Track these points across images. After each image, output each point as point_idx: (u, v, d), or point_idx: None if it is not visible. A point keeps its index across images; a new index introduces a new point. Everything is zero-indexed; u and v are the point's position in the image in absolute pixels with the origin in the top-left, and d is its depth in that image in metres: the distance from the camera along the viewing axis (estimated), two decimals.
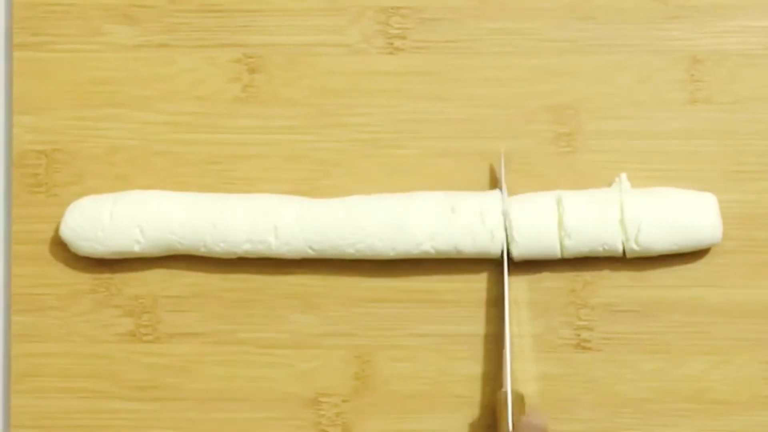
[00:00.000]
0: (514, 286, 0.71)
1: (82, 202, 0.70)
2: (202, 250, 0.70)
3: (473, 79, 0.71)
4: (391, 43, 0.72)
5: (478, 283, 0.71)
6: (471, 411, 0.70)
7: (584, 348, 0.70)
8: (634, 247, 0.68)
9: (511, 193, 0.70)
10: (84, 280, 0.72)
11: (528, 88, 0.71)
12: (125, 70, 0.72)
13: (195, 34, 0.72)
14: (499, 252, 0.69)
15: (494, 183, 0.71)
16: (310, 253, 0.69)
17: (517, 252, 0.68)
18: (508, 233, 0.68)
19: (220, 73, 0.72)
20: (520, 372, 0.70)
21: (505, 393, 0.66)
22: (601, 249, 0.68)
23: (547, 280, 0.70)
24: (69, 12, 0.72)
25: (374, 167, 0.71)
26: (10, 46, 0.73)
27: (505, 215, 0.68)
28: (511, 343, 0.70)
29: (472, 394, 0.70)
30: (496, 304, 0.71)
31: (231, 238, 0.69)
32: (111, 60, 0.72)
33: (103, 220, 0.69)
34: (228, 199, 0.70)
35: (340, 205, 0.69)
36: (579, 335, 0.70)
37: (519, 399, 0.68)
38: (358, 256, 0.69)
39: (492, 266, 0.71)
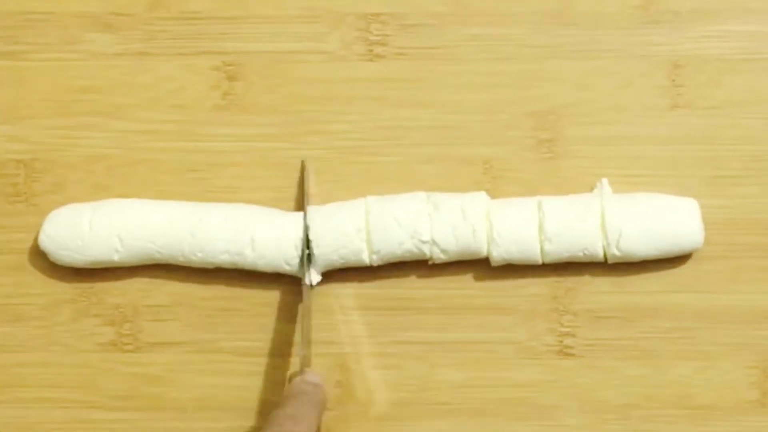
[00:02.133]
0: (496, 293, 0.70)
1: (61, 212, 0.70)
2: (180, 260, 0.69)
3: (454, 85, 0.71)
4: (372, 50, 0.72)
5: (461, 290, 0.71)
6: (455, 419, 0.70)
7: (567, 354, 0.70)
8: (616, 253, 0.68)
9: (492, 199, 0.70)
10: (64, 289, 0.71)
11: (509, 94, 0.71)
12: (104, 78, 0.72)
13: (174, 42, 0.72)
14: (484, 252, 0.69)
15: (476, 188, 0.70)
16: (286, 268, 0.69)
17: (498, 255, 0.68)
18: (489, 235, 0.68)
19: (199, 80, 0.72)
20: (504, 379, 0.70)
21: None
22: (582, 254, 0.68)
23: (529, 286, 0.70)
24: (47, 20, 0.72)
25: (355, 174, 0.71)
26: None
27: (306, 231, 0.68)
28: (494, 351, 0.70)
29: (456, 401, 0.70)
30: (479, 310, 0.70)
31: (208, 249, 0.69)
32: (90, 68, 0.72)
33: (82, 229, 0.69)
34: (207, 208, 0.70)
35: (317, 213, 0.69)
36: (562, 342, 0.70)
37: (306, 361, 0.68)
38: (342, 263, 0.69)
39: (476, 273, 0.71)
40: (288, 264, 0.69)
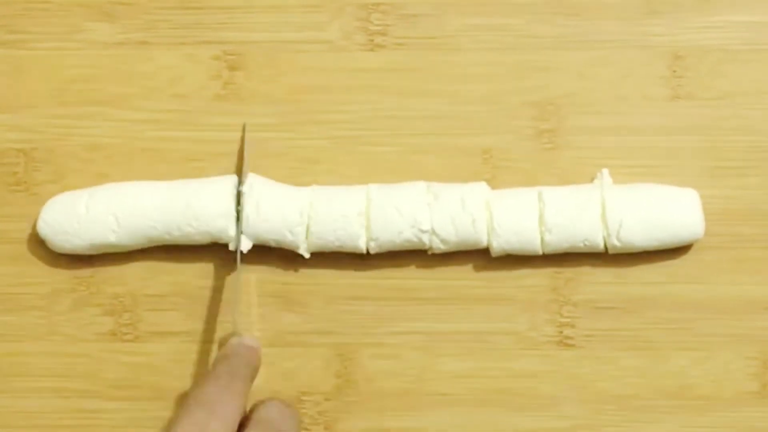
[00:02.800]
0: (496, 283, 0.70)
1: (59, 198, 0.70)
2: (176, 234, 0.69)
3: (454, 75, 0.71)
4: (372, 40, 0.72)
5: (461, 280, 0.71)
6: (454, 409, 0.70)
7: (567, 345, 0.70)
8: (616, 243, 0.68)
9: (492, 189, 0.70)
10: (64, 278, 0.71)
11: (510, 84, 0.71)
12: (104, 67, 0.72)
13: (174, 31, 0.72)
14: (484, 243, 0.69)
15: (476, 179, 0.70)
16: (288, 237, 0.69)
17: (498, 245, 0.68)
18: (488, 226, 0.68)
19: (200, 70, 0.72)
20: (503, 369, 0.70)
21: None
22: (582, 245, 0.68)
23: (528, 277, 0.70)
24: (47, 9, 0.72)
25: (356, 164, 0.71)
26: None
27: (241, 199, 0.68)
28: (493, 341, 0.70)
29: (456, 391, 0.70)
30: (479, 301, 0.70)
31: (204, 217, 0.69)
32: (90, 57, 0.72)
33: (78, 212, 0.69)
34: (203, 182, 0.70)
35: (319, 190, 0.69)
36: (561, 332, 0.70)
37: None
38: (337, 245, 0.69)
39: (476, 263, 0.70)
40: (291, 232, 0.68)
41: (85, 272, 0.71)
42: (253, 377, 0.65)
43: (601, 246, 0.68)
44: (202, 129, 0.71)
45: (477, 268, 0.70)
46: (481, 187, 0.69)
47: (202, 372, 0.70)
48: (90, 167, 0.72)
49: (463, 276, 0.71)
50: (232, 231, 0.69)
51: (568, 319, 0.70)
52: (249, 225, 0.68)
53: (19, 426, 0.71)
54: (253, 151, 0.71)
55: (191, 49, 0.72)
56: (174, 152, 0.71)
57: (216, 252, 0.71)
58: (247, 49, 0.72)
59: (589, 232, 0.68)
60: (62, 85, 0.72)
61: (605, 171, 0.70)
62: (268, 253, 0.70)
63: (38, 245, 0.71)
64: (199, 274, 0.71)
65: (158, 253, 0.71)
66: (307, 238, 0.69)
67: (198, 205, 0.69)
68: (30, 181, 0.72)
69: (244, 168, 0.70)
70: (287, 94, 0.71)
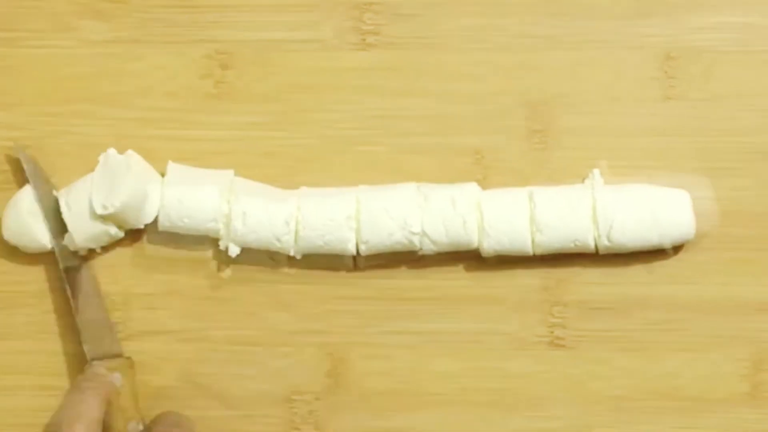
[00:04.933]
0: (487, 284, 0.70)
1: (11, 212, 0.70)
2: (166, 225, 0.69)
3: (447, 75, 0.71)
4: (364, 39, 0.72)
5: (452, 280, 0.71)
6: (445, 409, 0.70)
7: (558, 345, 0.70)
8: (607, 244, 0.68)
9: (484, 189, 0.70)
10: (55, 276, 0.71)
11: (501, 84, 0.71)
12: (96, 66, 0.72)
13: (166, 29, 0.72)
14: (474, 245, 0.69)
15: (468, 179, 0.70)
16: (276, 245, 0.69)
17: (489, 246, 0.68)
18: (479, 226, 0.68)
19: (191, 68, 0.72)
20: (495, 370, 0.70)
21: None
22: (572, 245, 0.68)
23: (520, 277, 0.70)
24: (39, 8, 0.72)
25: (347, 164, 0.71)
26: None
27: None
28: (484, 341, 0.70)
29: (446, 391, 0.70)
30: (469, 301, 0.70)
31: (198, 216, 0.68)
32: (82, 56, 0.72)
33: (62, 212, 0.69)
34: (197, 172, 0.70)
35: (312, 195, 0.69)
36: (553, 332, 0.70)
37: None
38: (326, 249, 0.69)
39: (467, 263, 0.71)
40: (278, 240, 0.68)
41: None
42: (102, 405, 0.65)
43: (592, 246, 0.68)
44: (193, 128, 0.71)
45: (468, 269, 0.71)
46: (472, 187, 0.69)
47: (192, 371, 0.71)
48: (82, 166, 0.71)
49: (454, 276, 0.71)
50: (223, 230, 0.69)
51: (560, 320, 0.70)
52: (237, 235, 0.68)
53: (8, 424, 0.71)
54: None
55: (183, 47, 0.72)
56: (165, 151, 0.71)
57: (209, 250, 0.71)
58: (238, 48, 0.72)
59: (580, 233, 0.68)
60: (53, 83, 0.72)
61: (597, 171, 0.70)
62: (259, 252, 0.70)
63: None
64: (191, 272, 0.71)
65: (151, 251, 0.71)
66: (296, 243, 0.69)
67: (191, 206, 0.68)
68: (21, 180, 0.71)
69: (41, 187, 0.69)
70: (279, 93, 0.72)
